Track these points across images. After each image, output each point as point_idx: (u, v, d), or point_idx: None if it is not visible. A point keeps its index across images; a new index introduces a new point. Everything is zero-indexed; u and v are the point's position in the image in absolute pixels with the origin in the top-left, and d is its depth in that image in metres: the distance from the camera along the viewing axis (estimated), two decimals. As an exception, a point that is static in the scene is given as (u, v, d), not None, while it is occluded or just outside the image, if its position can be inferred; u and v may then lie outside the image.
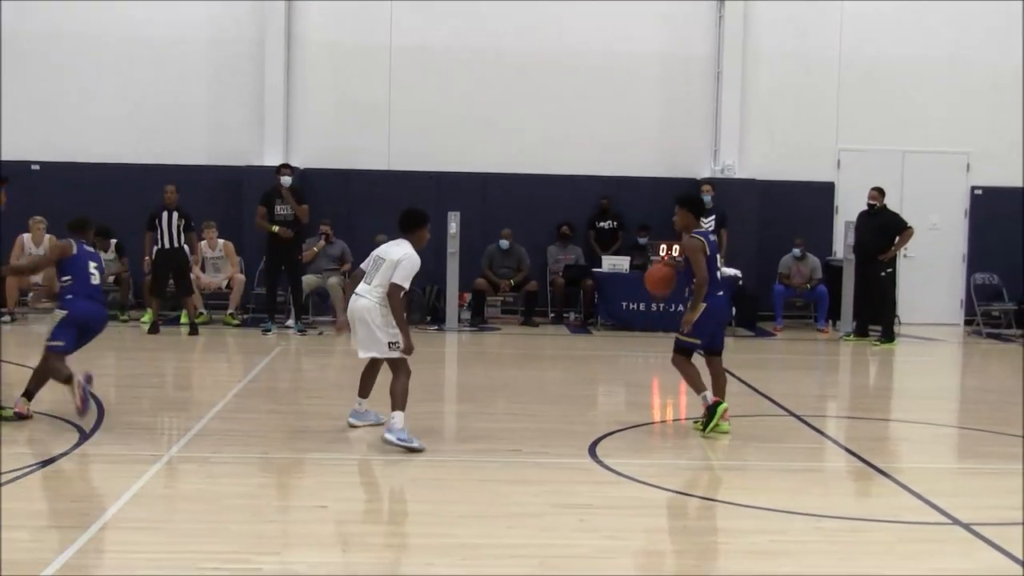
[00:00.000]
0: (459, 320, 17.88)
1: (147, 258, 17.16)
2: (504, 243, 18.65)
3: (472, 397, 12.50)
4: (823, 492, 8.45)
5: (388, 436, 9.26)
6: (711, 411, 10.02)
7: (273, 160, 18.48)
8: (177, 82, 19.40)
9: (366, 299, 9.52)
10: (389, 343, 9.52)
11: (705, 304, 10.09)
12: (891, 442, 10.64)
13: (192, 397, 12.35)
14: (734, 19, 19.61)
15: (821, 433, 10.57)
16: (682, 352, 10.30)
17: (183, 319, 17.14)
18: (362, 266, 9.86)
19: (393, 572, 6.38)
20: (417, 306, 17.98)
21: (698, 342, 10.24)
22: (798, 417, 11.08)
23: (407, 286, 9.53)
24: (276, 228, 16.50)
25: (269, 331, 16.57)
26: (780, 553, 6.71)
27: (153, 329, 16.47)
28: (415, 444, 9.20)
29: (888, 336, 17.07)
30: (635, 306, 17.97)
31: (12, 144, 18.84)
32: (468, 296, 18.45)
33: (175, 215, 16.60)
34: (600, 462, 8.94)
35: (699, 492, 8.48)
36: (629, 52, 19.79)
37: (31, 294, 17.81)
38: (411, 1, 19.46)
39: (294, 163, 18.73)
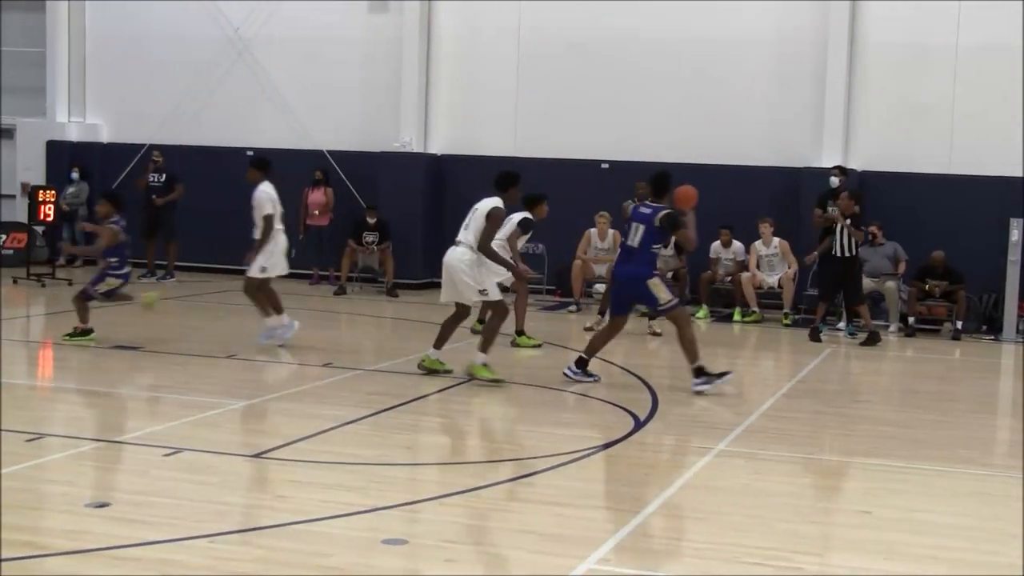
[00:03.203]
0: (1017, 331, 16.95)
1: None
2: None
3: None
4: None
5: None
6: None
7: (831, 161, 18.35)
8: (738, 82, 19.65)
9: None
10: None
11: None
12: None
13: (742, 394, 12.55)
14: None
15: None
16: None
17: (735, 316, 17.58)
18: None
19: (938, 586, 6.24)
20: (973, 313, 17.26)
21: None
22: None
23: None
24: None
25: (820, 333, 16.45)
26: None
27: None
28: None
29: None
30: None
31: (584, 144, 19.92)
32: (1031, 305, 17.43)
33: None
34: None
35: None
36: None
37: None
38: (979, 1, 18.59)
39: (852, 165, 18.50)
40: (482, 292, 11.45)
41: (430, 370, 11.80)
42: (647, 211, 11.55)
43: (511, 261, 12.63)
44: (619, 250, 12.11)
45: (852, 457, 9.27)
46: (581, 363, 11.77)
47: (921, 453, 9.31)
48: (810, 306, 17.52)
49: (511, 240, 13.69)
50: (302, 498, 7.30)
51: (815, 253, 16.42)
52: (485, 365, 11.45)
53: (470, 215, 11.59)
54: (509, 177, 11.84)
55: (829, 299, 16.29)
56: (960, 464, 8.94)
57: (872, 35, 19.06)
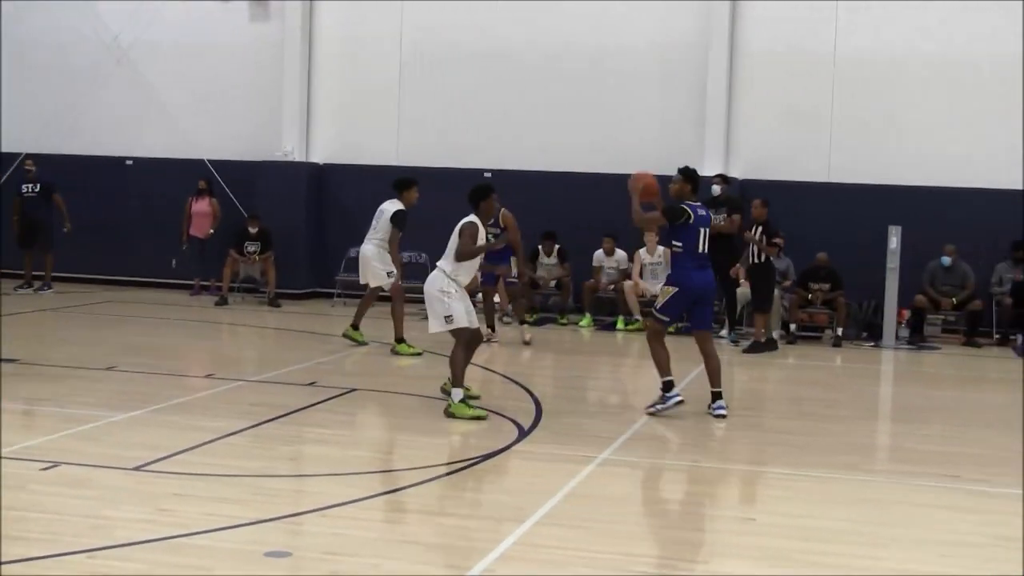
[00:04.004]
0: (896, 337, 17.34)
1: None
2: (946, 260, 17.89)
3: (907, 417, 12.12)
4: None
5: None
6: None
7: (713, 168, 18.56)
8: (623, 89, 19.77)
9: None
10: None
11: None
12: None
13: (626, 402, 12.64)
14: None
15: None
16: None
17: (619, 325, 17.70)
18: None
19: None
20: (854, 320, 17.64)
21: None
22: None
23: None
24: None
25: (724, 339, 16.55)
26: None
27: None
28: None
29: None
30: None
31: (468, 152, 19.90)
32: (907, 313, 17.84)
33: None
34: (1045, 495, 8.47)
35: None
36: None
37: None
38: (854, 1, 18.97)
39: (733, 173, 18.75)
40: (447, 319, 10.64)
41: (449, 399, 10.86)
42: (704, 212, 11.16)
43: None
44: (687, 258, 10.98)
45: (736, 464, 9.38)
46: (668, 387, 11.07)
47: (805, 460, 9.44)
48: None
49: (392, 242, 14.03)
50: (183, 511, 7.18)
51: (739, 267, 16.58)
52: (464, 401, 10.55)
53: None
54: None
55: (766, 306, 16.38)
56: (843, 470, 9.08)
57: (753, 41, 19.32)
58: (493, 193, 11.09)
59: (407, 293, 14.90)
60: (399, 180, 14.54)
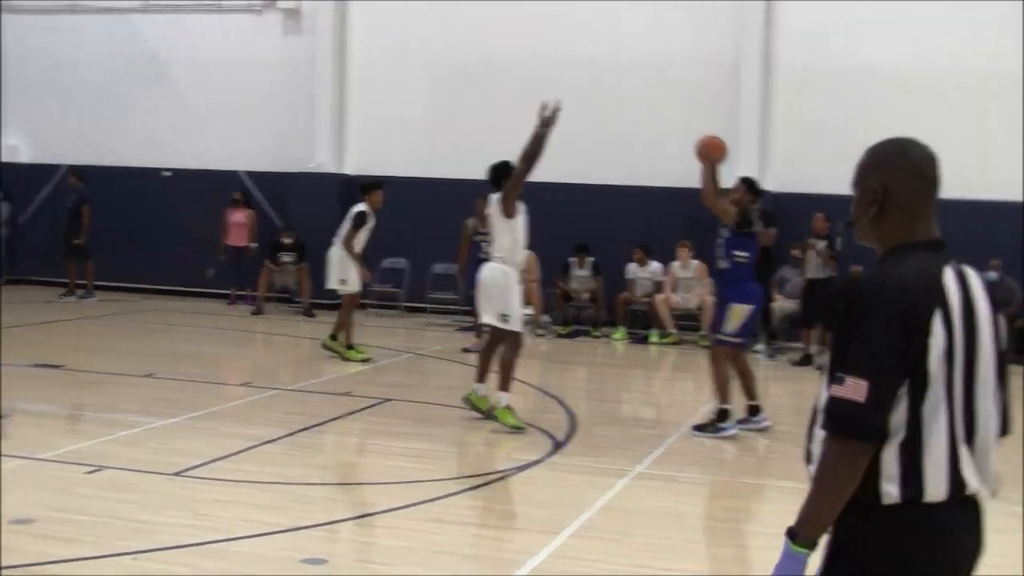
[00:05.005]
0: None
1: None
2: (993, 275, 17.69)
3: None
4: None
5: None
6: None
7: (746, 184, 18.52)
8: (654, 103, 19.79)
9: None
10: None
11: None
12: None
13: (660, 415, 12.67)
14: None
15: None
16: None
17: (652, 338, 17.71)
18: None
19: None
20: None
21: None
22: None
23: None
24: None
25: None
26: None
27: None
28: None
29: None
30: None
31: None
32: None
33: None
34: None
35: None
36: None
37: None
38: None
39: (767, 186, 18.73)
40: (504, 318, 10.43)
41: (473, 407, 10.82)
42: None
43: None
44: (749, 270, 10.77)
45: (774, 480, 9.39)
46: (754, 411, 10.95)
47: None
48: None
49: (347, 241, 14.12)
50: (222, 517, 7.27)
51: (799, 280, 16.59)
52: (508, 408, 10.42)
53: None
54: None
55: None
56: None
57: (786, 56, 19.30)
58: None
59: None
60: (363, 183, 14.85)
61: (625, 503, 8.27)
